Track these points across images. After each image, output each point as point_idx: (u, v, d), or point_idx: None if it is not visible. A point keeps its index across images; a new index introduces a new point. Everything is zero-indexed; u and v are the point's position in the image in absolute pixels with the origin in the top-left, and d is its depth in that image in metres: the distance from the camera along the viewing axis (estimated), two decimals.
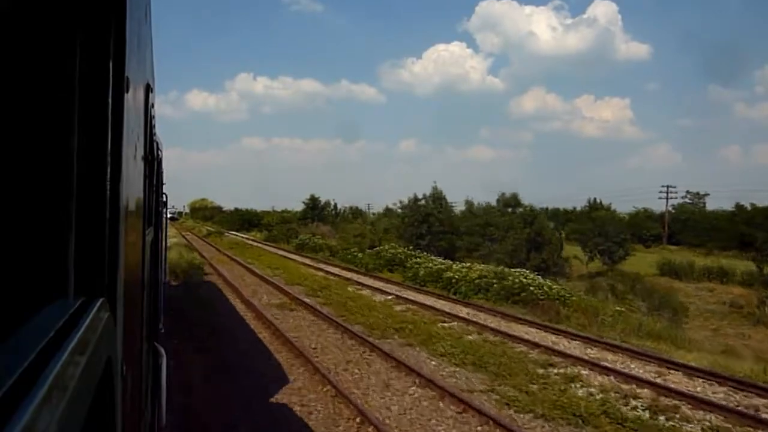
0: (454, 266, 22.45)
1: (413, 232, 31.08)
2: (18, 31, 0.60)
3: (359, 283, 22.53)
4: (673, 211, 60.33)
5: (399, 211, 55.90)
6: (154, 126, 3.00)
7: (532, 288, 18.37)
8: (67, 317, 0.65)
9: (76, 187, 0.73)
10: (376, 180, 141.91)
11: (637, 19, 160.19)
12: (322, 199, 53.45)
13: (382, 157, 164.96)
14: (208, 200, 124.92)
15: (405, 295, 19.56)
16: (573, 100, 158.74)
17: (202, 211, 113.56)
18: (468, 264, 22.54)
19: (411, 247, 27.90)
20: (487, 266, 21.21)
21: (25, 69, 0.64)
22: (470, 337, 13.24)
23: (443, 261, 23.73)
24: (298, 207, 68.82)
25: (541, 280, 19.55)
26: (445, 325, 14.64)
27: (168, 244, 30.10)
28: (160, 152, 4.67)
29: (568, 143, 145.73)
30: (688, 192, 65.10)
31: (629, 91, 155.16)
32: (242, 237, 57.49)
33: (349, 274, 25.85)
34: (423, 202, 32.37)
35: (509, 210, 30.53)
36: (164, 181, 7.00)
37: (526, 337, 13.34)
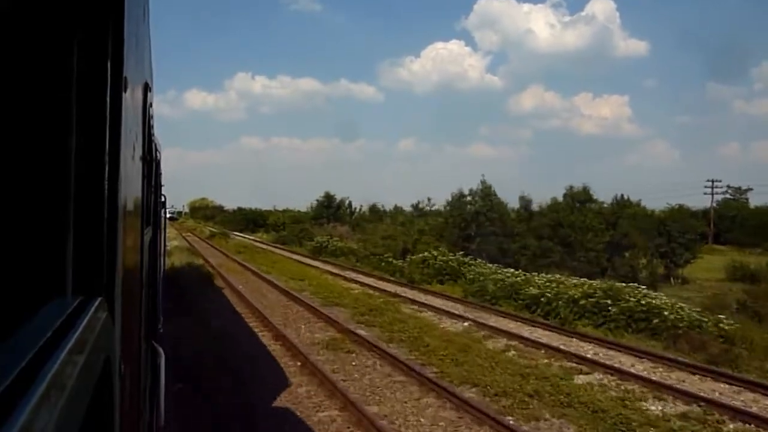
0: (535, 278, 17.55)
1: (459, 235, 26.12)
2: (16, 30, 0.60)
3: (413, 301, 17.65)
4: (717, 207, 55.56)
5: (410, 210, 51.02)
6: (153, 126, 2.83)
7: (666, 312, 13.50)
8: (65, 316, 0.64)
9: (74, 187, 0.73)
10: (375, 179, 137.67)
11: (635, 16, 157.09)
12: (336, 198, 48.26)
13: (381, 156, 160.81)
14: (208, 199, 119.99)
15: (482, 320, 14.71)
16: (571, 98, 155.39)
17: (203, 211, 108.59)
18: (556, 276, 17.63)
19: (461, 253, 22.99)
20: (591, 281, 16.29)
21: (23, 68, 0.64)
22: (654, 408, 8.34)
23: (516, 271, 18.82)
24: (300, 206, 64.22)
25: (667, 300, 14.70)
26: (589, 379, 9.76)
27: (167, 247, 25.40)
28: (158, 153, 4.49)
29: (567, 141, 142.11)
30: (728, 187, 60.40)
31: (627, 88, 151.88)
32: (249, 239, 52.55)
33: (391, 287, 20.97)
34: (469, 198, 27.40)
35: (577, 206, 25.57)
36: (162, 183, 6.54)
37: (747, 408, 8.46)
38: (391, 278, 23.74)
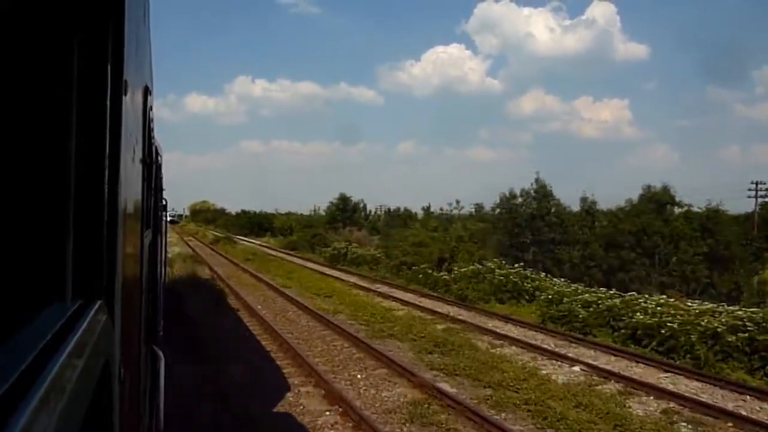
0: (641, 301, 13.75)
1: (510, 242, 22.24)
2: (16, 34, 0.61)
3: (481, 329, 13.90)
4: (760, 210, 51.65)
5: (421, 214, 47.12)
6: (153, 129, 2.81)
7: None
8: (65, 320, 0.64)
9: (74, 190, 0.73)
10: (374, 182, 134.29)
11: (635, 19, 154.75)
12: (352, 200, 44.22)
13: (381, 159, 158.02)
14: (209, 202, 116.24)
15: (591, 360, 10.99)
16: (571, 101, 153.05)
17: (204, 214, 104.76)
18: (668, 299, 13.82)
19: (521, 264, 19.21)
20: (729, 308, 12.50)
21: (23, 72, 0.64)
22: None
23: (605, 292, 14.99)
24: (301, 209, 60.90)
25: None
26: None
27: (168, 254, 21.76)
28: (159, 157, 4.48)
29: (567, 144, 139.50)
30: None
31: (628, 91, 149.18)
32: (256, 243, 48.77)
33: (441, 307, 17.19)
34: (520, 200, 23.48)
35: (653, 208, 21.66)
36: (164, 187, 6.26)
37: None
38: (434, 294, 19.96)
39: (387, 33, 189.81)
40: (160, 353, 3.11)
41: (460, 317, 15.61)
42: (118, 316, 0.95)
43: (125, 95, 0.96)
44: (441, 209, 35.02)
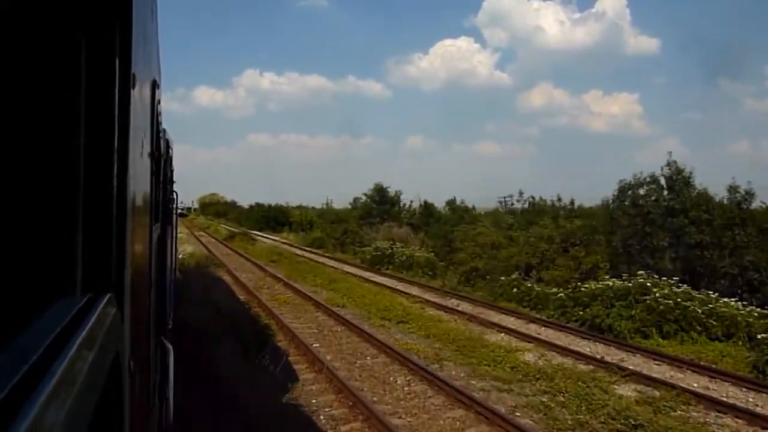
0: None
1: (640, 245, 16.46)
2: (24, 27, 0.61)
3: (707, 402, 8.35)
4: None
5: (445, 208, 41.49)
6: (161, 122, 2.77)
7: None
8: (75, 313, 0.64)
9: (83, 184, 0.72)
10: (381, 176, 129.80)
11: (646, 13, 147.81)
12: (390, 191, 38.29)
13: (389, 153, 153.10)
14: (219, 195, 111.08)
15: None
16: (581, 96, 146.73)
17: (214, 207, 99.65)
18: None
19: (677, 278, 13.61)
20: None
21: (31, 65, 0.65)
22: None
23: None
24: (311, 202, 56.03)
25: None
26: None
27: (179, 253, 16.40)
28: (170, 149, 4.35)
29: (575, 139, 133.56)
30: None
31: (638, 85, 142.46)
32: (275, 240, 43.37)
33: (582, 345, 11.69)
34: (644, 190, 17.65)
35: None
36: (174, 179, 6.14)
37: None
38: (547, 320, 14.36)
39: (395, 26, 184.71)
40: (170, 346, 3.05)
41: (629, 366, 10.12)
42: (128, 309, 0.94)
43: (133, 89, 0.95)
44: (500, 201, 29.44)
